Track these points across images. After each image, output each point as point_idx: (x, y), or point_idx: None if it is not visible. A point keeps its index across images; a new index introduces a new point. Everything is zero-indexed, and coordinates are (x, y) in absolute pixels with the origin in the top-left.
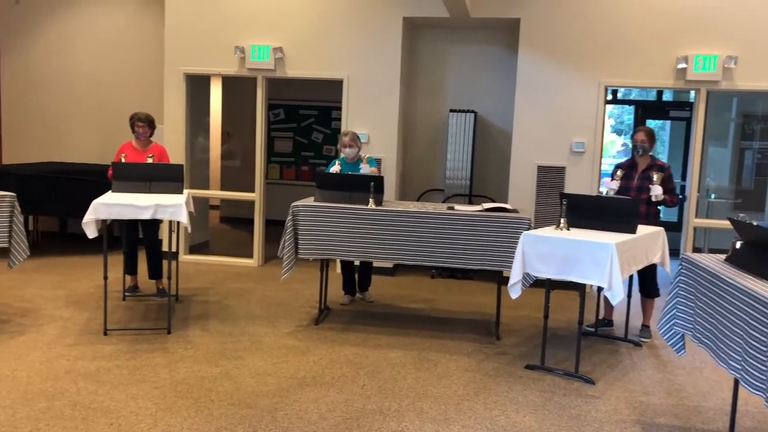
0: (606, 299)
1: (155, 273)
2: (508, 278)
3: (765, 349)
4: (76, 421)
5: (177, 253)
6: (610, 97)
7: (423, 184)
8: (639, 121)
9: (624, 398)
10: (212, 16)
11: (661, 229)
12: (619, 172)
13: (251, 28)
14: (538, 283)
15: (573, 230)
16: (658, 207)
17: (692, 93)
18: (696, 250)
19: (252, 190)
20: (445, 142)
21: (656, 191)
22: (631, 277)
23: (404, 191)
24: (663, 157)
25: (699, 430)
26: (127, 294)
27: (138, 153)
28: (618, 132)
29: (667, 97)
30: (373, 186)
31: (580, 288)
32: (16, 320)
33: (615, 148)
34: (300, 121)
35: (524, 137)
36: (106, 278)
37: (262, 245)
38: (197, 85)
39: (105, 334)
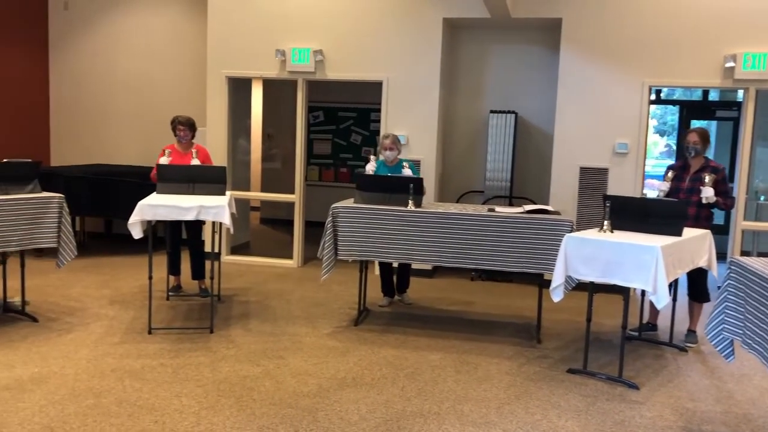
0: (651, 303)
1: (198, 273)
2: (549, 281)
3: None
4: (122, 418)
5: (219, 253)
6: (653, 97)
7: (463, 185)
8: (684, 122)
9: (669, 404)
10: (253, 19)
11: (708, 231)
12: (670, 174)
13: (292, 31)
14: (580, 287)
15: (617, 233)
16: (711, 210)
17: (740, 92)
18: (744, 253)
19: (292, 192)
20: (485, 143)
21: (707, 193)
22: (676, 280)
23: (444, 193)
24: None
25: None
26: (170, 294)
27: (181, 155)
28: (661, 133)
29: (713, 96)
30: (412, 188)
31: (624, 291)
32: (63, 318)
33: (658, 149)
34: (339, 123)
35: (566, 138)
36: (150, 278)
37: (301, 246)
38: (239, 88)
39: (149, 333)
